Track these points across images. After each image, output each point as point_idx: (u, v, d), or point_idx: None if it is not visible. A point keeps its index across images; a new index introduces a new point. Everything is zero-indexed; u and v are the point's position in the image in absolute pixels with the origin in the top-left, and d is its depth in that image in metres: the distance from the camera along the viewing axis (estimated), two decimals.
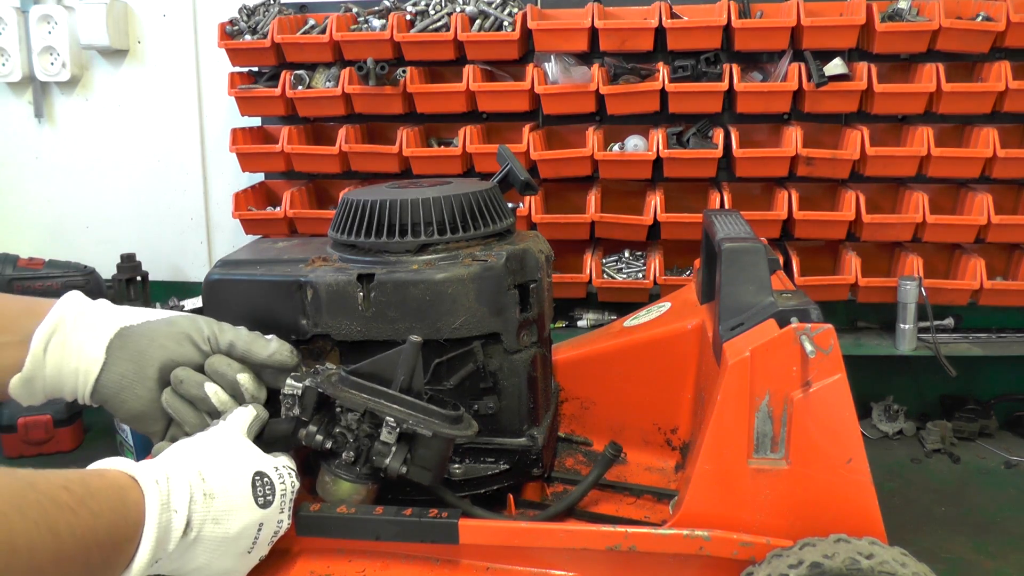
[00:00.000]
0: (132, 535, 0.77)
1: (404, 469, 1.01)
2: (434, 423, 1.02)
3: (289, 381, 1.04)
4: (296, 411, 1.03)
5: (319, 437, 1.03)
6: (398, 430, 1.00)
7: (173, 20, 2.45)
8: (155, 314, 1.05)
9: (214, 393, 1.00)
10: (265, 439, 1.01)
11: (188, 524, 0.83)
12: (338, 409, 1.04)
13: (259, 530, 0.91)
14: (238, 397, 1.03)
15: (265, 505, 0.91)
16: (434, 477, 1.03)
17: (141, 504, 0.78)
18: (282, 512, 0.94)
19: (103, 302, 1.03)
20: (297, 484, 0.97)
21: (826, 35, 2.00)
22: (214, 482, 0.87)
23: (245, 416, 1.00)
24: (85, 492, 0.72)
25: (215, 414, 1.02)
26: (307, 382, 1.03)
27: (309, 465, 1.13)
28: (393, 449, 1.01)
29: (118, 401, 0.99)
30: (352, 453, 1.03)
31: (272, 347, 1.04)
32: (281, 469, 0.96)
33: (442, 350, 1.15)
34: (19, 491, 0.66)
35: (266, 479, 0.93)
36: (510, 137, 2.20)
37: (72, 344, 0.98)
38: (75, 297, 1.01)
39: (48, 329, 0.97)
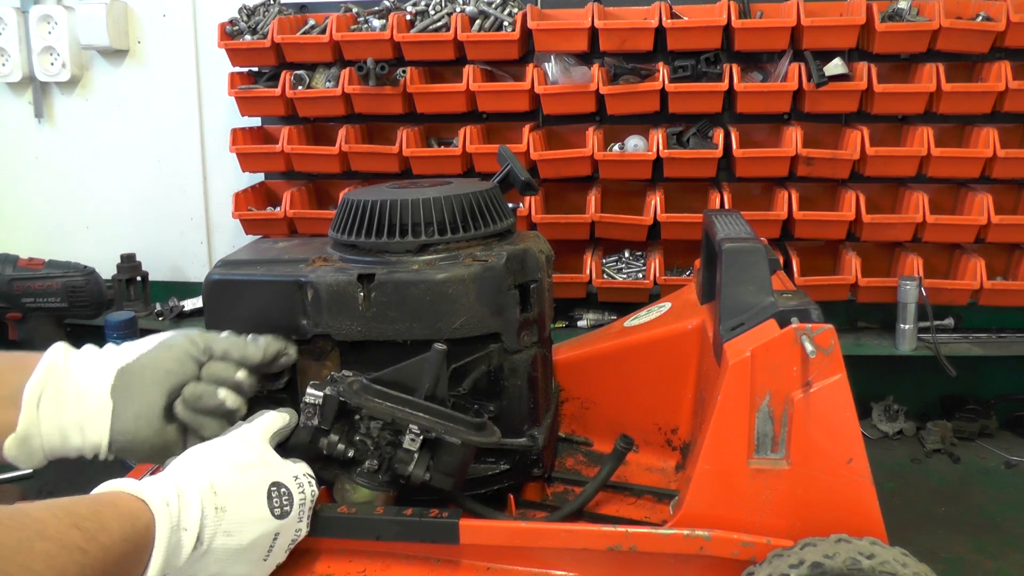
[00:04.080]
0: (141, 558, 0.77)
1: (427, 476, 1.01)
2: (461, 431, 1.02)
3: (309, 390, 1.03)
4: (316, 420, 1.03)
5: (341, 446, 1.03)
6: (421, 438, 1.00)
7: (173, 20, 2.45)
8: (143, 344, 1.01)
9: (225, 398, 1.00)
10: (286, 449, 1.01)
11: (199, 539, 0.82)
12: (357, 417, 1.04)
13: (275, 539, 0.91)
14: (243, 395, 1.03)
15: (282, 516, 0.91)
16: (456, 483, 1.03)
17: (152, 527, 0.78)
18: (300, 521, 0.94)
19: (88, 347, 1.00)
20: (316, 492, 0.97)
21: (826, 35, 2.00)
22: (226, 495, 0.86)
23: (272, 422, 1.00)
24: (97, 527, 0.72)
25: (232, 418, 1.01)
26: (327, 391, 1.03)
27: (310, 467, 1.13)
28: (416, 456, 1.01)
29: (137, 443, 0.96)
30: (375, 462, 1.03)
31: (261, 345, 1.05)
32: (301, 477, 0.96)
33: (456, 355, 1.14)
34: (26, 544, 0.66)
35: (283, 489, 0.92)
36: (510, 137, 2.20)
37: (68, 397, 0.94)
38: (60, 348, 0.97)
39: (38, 384, 0.92)
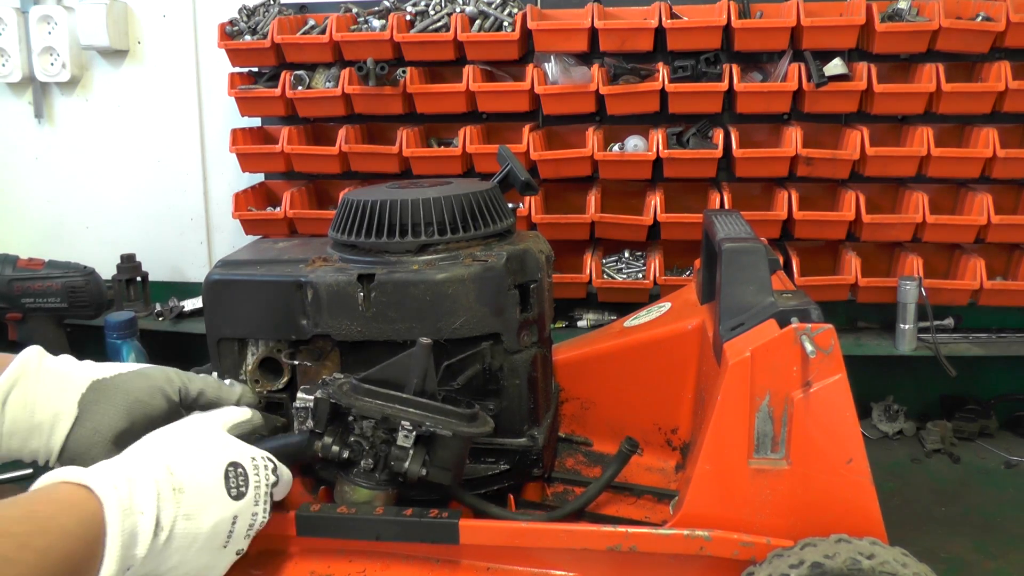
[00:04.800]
0: (94, 552, 0.72)
1: (424, 472, 1.01)
2: (452, 423, 1.02)
3: (300, 395, 1.04)
4: (310, 423, 1.03)
5: (335, 448, 1.03)
6: (415, 434, 1.00)
7: (173, 20, 2.45)
8: (123, 367, 1.01)
9: None
10: (279, 455, 1.01)
11: (158, 524, 0.78)
12: (351, 418, 1.04)
13: (233, 523, 0.87)
14: None
15: (238, 497, 0.88)
16: (453, 477, 1.03)
17: (101, 515, 0.73)
18: (257, 504, 0.90)
19: (67, 357, 0.99)
20: (273, 478, 0.94)
21: (826, 35, 2.00)
22: (183, 475, 0.83)
23: (232, 415, 0.99)
24: (31, 530, 0.67)
25: None
26: (318, 394, 1.03)
27: (310, 467, 1.13)
28: (411, 453, 1.01)
29: (86, 458, 0.92)
30: (370, 461, 1.03)
31: (237, 392, 1.06)
32: (258, 460, 0.93)
33: (450, 352, 1.14)
34: None
35: (240, 470, 0.89)
36: (510, 137, 2.20)
37: (38, 399, 0.93)
38: (36, 351, 0.96)
39: (8, 382, 0.91)
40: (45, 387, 0.94)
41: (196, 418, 0.94)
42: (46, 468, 0.86)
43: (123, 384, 0.98)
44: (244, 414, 1.01)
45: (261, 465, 0.93)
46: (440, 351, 1.13)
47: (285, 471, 0.97)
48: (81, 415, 0.94)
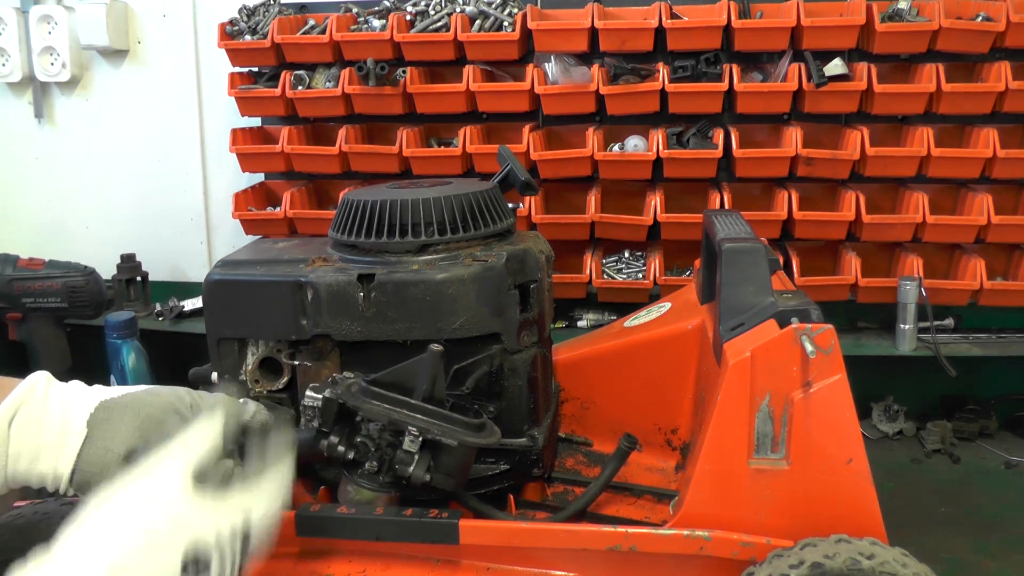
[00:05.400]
0: None
1: (428, 477, 1.01)
2: (458, 432, 1.02)
3: (309, 393, 1.04)
4: (317, 423, 1.03)
5: (341, 448, 1.03)
6: (421, 439, 1.00)
7: (173, 20, 2.45)
8: (129, 388, 0.97)
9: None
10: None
11: None
12: (358, 419, 1.04)
13: None
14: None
15: None
16: (457, 483, 1.03)
17: None
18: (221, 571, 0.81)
19: (75, 382, 0.96)
20: (244, 558, 0.83)
21: (826, 35, 2.00)
22: None
23: (200, 444, 0.86)
24: None
25: None
26: (327, 393, 1.03)
27: (310, 467, 1.13)
28: (416, 458, 1.01)
29: (101, 479, 0.88)
30: (375, 463, 1.03)
31: (251, 409, 1.01)
32: (227, 533, 0.81)
33: (459, 355, 1.14)
34: None
35: (201, 558, 0.79)
36: (510, 137, 2.20)
37: (44, 419, 0.89)
38: (44, 375, 0.93)
39: (14, 402, 0.87)
40: (52, 408, 0.90)
41: (158, 475, 0.82)
42: (55, 496, 0.79)
43: (132, 402, 0.94)
44: (213, 436, 0.87)
45: (227, 537, 0.81)
46: (448, 354, 1.13)
47: (267, 515, 0.86)
48: (91, 434, 0.90)
